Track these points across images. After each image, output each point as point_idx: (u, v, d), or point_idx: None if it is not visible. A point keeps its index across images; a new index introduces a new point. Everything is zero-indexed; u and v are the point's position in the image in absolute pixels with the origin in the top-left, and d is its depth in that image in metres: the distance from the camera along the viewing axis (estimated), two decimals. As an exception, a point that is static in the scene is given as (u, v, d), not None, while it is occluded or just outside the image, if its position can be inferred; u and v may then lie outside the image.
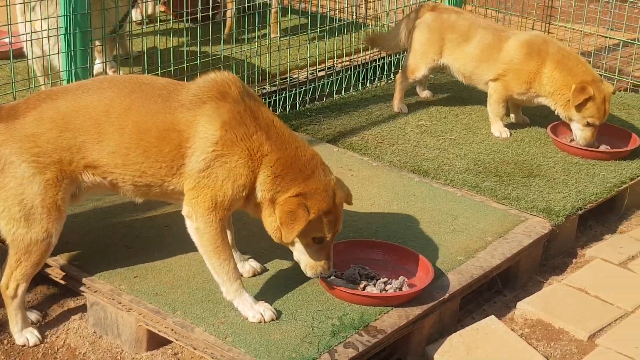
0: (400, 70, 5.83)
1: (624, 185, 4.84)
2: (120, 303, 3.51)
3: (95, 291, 3.59)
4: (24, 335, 3.51)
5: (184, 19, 5.18)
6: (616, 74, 6.48)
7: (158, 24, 5.55)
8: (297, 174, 3.35)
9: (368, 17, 6.83)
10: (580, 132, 5.18)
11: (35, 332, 3.54)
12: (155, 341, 3.49)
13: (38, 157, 3.30)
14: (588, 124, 5.14)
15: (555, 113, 5.30)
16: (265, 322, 3.35)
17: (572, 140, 5.28)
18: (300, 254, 3.46)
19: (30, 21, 4.50)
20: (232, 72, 4.78)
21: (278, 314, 3.41)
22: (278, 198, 3.35)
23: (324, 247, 3.42)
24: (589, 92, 5.05)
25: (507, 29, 5.79)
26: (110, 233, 3.99)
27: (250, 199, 3.40)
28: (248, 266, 3.71)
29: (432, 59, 5.60)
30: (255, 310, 3.37)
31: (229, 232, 3.59)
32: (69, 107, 3.34)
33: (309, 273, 3.48)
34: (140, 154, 3.33)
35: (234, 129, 3.31)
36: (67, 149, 3.33)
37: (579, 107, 5.09)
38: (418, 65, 5.63)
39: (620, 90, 6.44)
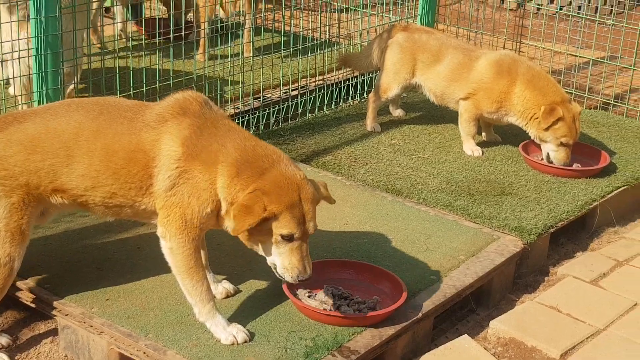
0: (373, 90, 5.86)
1: (595, 203, 4.88)
2: (91, 326, 3.47)
3: (67, 314, 3.55)
4: (-7, 361, 3.48)
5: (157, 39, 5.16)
6: (586, 92, 6.55)
7: (130, 43, 5.53)
8: (254, 170, 3.25)
9: (341, 37, 6.86)
10: (554, 153, 5.21)
11: (5, 356, 3.50)
12: (127, 364, 3.46)
13: (4, 180, 3.28)
14: (562, 144, 5.18)
15: (528, 133, 5.34)
16: (238, 344, 3.33)
17: (542, 158, 5.32)
18: (274, 256, 3.32)
19: (27, 38, 4.45)
20: (205, 92, 4.79)
21: (251, 336, 3.39)
22: (238, 198, 3.24)
23: (296, 247, 3.29)
24: (558, 113, 5.10)
25: (477, 48, 5.85)
26: (82, 255, 3.95)
27: (221, 215, 3.36)
28: (221, 288, 3.69)
29: (405, 78, 5.63)
30: (228, 332, 3.35)
31: (202, 253, 3.57)
32: (37, 130, 3.33)
33: (280, 274, 3.32)
34: (109, 176, 3.32)
35: (194, 143, 3.29)
36: (34, 172, 3.31)
37: (550, 129, 5.14)
38: (390, 84, 5.67)
39: (590, 108, 6.51)
